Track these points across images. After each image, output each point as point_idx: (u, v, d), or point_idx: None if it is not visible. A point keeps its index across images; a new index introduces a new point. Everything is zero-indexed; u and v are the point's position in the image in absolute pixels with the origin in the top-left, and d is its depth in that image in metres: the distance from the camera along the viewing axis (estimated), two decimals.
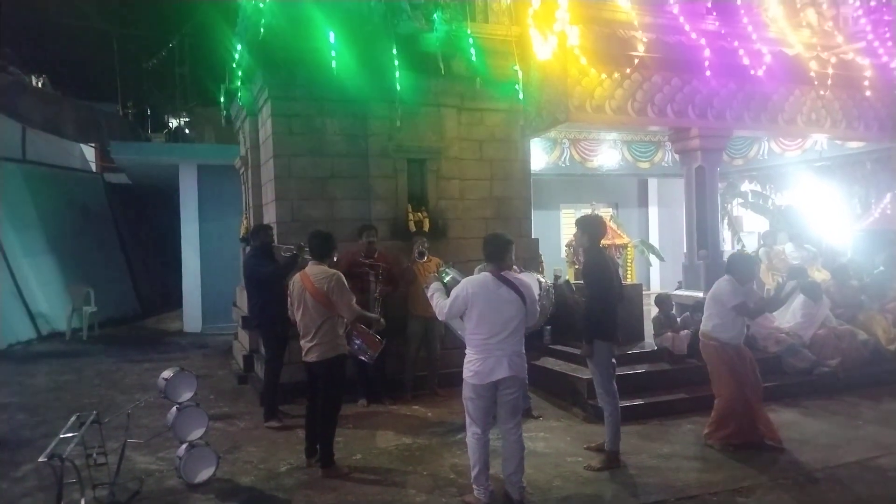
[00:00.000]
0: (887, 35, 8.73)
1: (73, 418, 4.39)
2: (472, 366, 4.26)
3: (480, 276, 4.36)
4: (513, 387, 4.28)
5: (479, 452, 4.30)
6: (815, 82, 8.33)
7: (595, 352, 5.10)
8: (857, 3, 8.87)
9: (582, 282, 5.37)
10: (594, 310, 5.11)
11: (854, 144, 9.96)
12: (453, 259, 7.25)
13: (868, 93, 8.66)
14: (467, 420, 4.36)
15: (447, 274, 4.73)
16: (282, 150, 7.39)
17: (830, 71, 8.36)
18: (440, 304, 4.41)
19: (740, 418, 5.48)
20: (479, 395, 4.26)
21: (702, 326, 5.71)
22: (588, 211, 10.43)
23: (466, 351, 4.33)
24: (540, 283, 5.39)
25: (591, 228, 5.25)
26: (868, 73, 8.61)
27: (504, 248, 4.40)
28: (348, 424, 6.10)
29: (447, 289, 4.52)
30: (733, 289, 5.48)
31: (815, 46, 8.53)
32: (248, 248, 6.81)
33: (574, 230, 5.50)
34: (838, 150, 10.38)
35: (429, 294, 4.59)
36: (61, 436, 4.14)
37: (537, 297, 5.15)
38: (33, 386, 8.12)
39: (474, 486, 4.34)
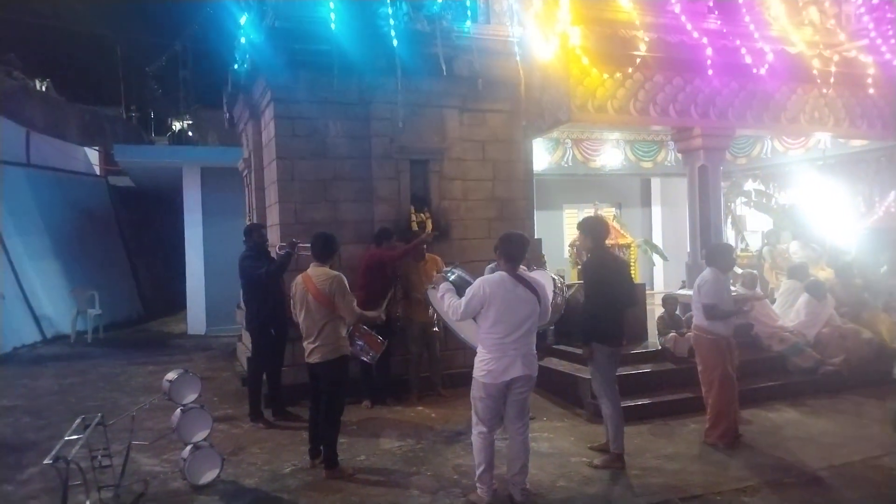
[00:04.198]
0: (890, 32, 8.71)
1: (77, 421, 4.40)
2: (485, 365, 4.22)
3: (497, 276, 4.29)
4: (525, 385, 4.27)
5: (485, 452, 4.29)
6: (818, 80, 8.31)
7: (595, 354, 5.09)
8: (860, 1, 8.85)
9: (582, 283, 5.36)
10: (590, 311, 5.09)
11: (857, 143, 9.92)
12: (456, 259, 7.27)
13: (871, 90, 8.63)
14: (474, 419, 4.35)
15: (452, 273, 4.70)
16: (285, 153, 7.40)
17: (833, 69, 8.33)
18: (454, 305, 4.31)
19: (730, 414, 5.53)
20: (489, 395, 4.24)
21: (695, 320, 5.71)
22: (591, 211, 10.44)
23: (479, 350, 4.30)
24: (554, 280, 5.34)
25: (592, 230, 5.20)
26: (871, 71, 8.58)
27: (523, 247, 4.39)
28: (352, 426, 6.11)
29: (455, 288, 4.48)
30: (714, 285, 5.48)
31: (818, 44, 8.51)
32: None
33: (577, 232, 5.48)
34: (842, 149, 10.34)
35: (438, 295, 4.51)
36: (66, 438, 4.16)
37: (552, 296, 5.13)
38: (38, 389, 8.15)
39: (478, 485, 4.34)
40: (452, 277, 4.62)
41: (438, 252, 7.26)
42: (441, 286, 4.55)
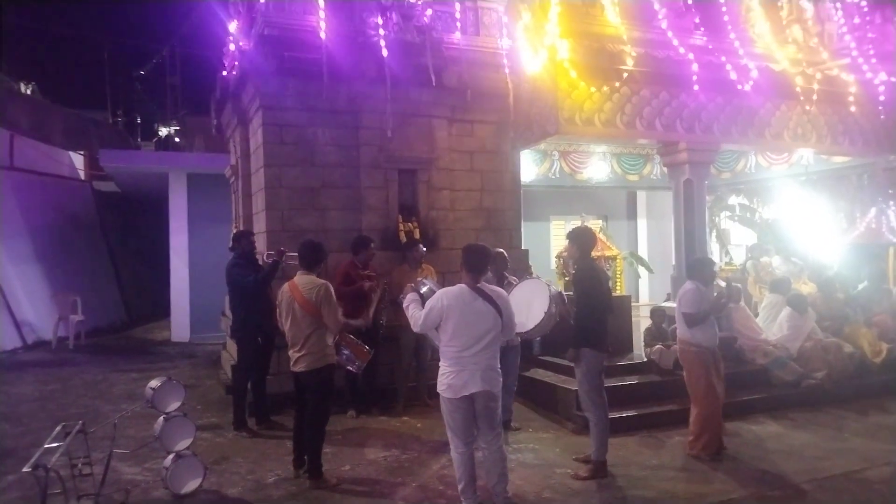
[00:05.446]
0: (871, 52, 8.88)
1: (58, 428, 4.34)
2: (445, 379, 4.19)
3: (456, 288, 4.26)
4: (486, 403, 4.19)
5: (465, 466, 4.26)
6: (801, 97, 8.44)
7: (583, 359, 5.12)
8: (842, 20, 9.02)
9: (572, 291, 5.41)
10: (583, 318, 5.16)
11: (839, 159, 10.09)
12: (444, 269, 7.29)
13: (853, 108, 8.79)
14: (449, 434, 4.30)
15: (424, 285, 4.67)
16: (273, 160, 7.39)
17: (816, 86, 8.48)
18: (415, 316, 4.32)
19: (714, 426, 5.58)
20: (455, 409, 4.20)
21: (679, 334, 5.77)
22: (578, 223, 10.50)
23: (440, 364, 4.26)
24: (549, 288, 5.36)
25: (581, 240, 5.33)
26: (853, 89, 8.74)
27: (483, 259, 4.35)
28: (337, 435, 6.07)
29: (423, 300, 4.44)
30: (695, 296, 5.56)
31: (801, 62, 8.65)
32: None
33: (564, 242, 5.54)
34: (824, 165, 10.51)
35: (404, 305, 4.51)
36: (46, 446, 4.09)
37: (548, 304, 5.14)
38: (18, 395, 8.03)
39: (462, 499, 4.31)
40: (424, 290, 4.58)
41: (427, 261, 7.25)
42: (407, 297, 4.53)
